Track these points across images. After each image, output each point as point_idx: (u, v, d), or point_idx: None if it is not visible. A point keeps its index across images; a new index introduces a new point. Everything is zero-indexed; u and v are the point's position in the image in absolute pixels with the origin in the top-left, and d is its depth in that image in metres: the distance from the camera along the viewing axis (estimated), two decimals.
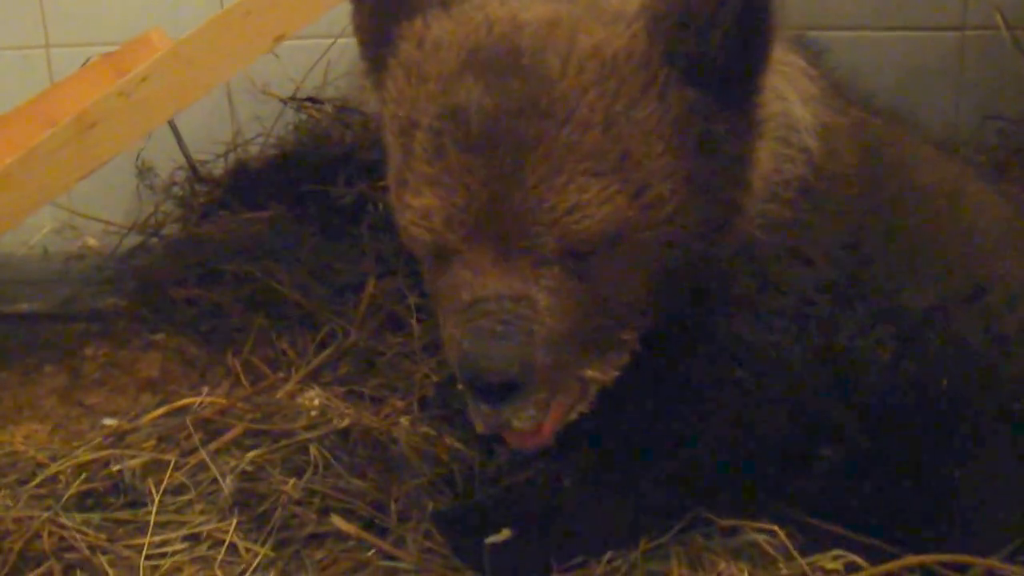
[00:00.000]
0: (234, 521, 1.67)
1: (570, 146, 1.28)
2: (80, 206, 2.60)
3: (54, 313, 2.51)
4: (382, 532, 1.65)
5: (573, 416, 1.44)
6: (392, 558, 1.58)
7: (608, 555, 1.55)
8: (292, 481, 1.74)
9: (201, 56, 1.93)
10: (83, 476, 1.81)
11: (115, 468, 1.82)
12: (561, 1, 1.39)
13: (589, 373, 1.41)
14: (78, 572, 1.60)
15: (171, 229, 2.62)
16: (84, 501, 1.77)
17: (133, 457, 1.84)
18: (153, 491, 1.75)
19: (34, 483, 1.81)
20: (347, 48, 2.69)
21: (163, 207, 2.65)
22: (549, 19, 1.34)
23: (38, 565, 1.62)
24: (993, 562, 1.50)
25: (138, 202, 2.72)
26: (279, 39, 1.93)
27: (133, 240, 2.63)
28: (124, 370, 2.24)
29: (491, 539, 1.55)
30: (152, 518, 1.69)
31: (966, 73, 2.70)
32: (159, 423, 1.96)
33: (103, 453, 1.86)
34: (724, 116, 1.34)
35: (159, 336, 2.33)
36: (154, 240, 2.61)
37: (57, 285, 2.59)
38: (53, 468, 1.84)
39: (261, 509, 1.70)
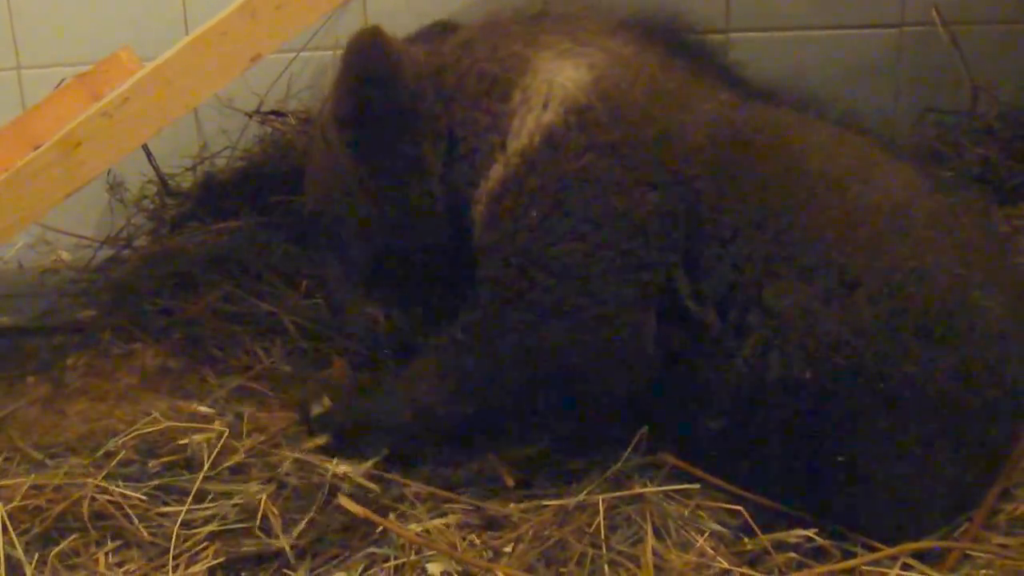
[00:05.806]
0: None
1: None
2: (53, 221, 2.59)
3: (33, 326, 2.53)
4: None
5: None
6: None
7: (581, 546, 1.62)
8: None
9: (180, 77, 1.95)
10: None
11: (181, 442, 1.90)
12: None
13: (369, 310, 2.06)
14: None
15: (142, 241, 2.65)
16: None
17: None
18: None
19: (100, 453, 1.89)
20: (308, 61, 2.79)
21: (134, 220, 2.68)
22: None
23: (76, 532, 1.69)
24: (966, 545, 1.60)
25: (110, 216, 2.76)
26: (255, 59, 1.95)
27: (105, 253, 2.66)
28: (104, 379, 2.27)
29: (316, 409, 1.94)
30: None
31: (905, 68, 2.79)
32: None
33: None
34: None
35: (136, 345, 2.35)
36: (126, 252, 2.64)
37: (33, 298, 2.60)
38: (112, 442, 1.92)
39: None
